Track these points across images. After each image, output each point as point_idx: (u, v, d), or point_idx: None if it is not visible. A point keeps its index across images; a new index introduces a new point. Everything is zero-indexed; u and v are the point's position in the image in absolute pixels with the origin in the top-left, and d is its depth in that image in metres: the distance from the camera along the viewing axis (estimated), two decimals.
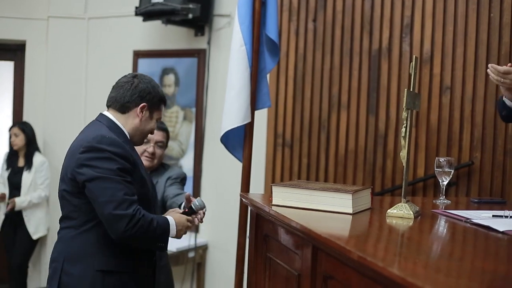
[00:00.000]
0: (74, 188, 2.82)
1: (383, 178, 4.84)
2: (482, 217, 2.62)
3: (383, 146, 4.82)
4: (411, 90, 2.56)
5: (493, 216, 2.66)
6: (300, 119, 5.15)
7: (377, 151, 4.86)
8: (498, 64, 4.39)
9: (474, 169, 4.55)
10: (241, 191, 4.28)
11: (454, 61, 4.62)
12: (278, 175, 5.26)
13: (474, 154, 4.55)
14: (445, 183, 3.11)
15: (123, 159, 2.79)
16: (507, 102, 3.46)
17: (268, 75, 4.66)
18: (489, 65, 3.19)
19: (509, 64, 3.18)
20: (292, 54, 5.17)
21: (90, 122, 3.01)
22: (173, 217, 2.96)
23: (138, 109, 2.96)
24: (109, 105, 3.01)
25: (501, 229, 2.33)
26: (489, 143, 4.51)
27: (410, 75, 2.60)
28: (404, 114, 2.55)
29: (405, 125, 2.54)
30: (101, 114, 2.99)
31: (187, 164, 5.94)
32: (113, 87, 3.03)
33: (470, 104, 4.56)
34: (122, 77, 3.04)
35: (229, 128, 4.19)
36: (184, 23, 5.71)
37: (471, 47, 4.57)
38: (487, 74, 4.44)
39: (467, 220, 2.53)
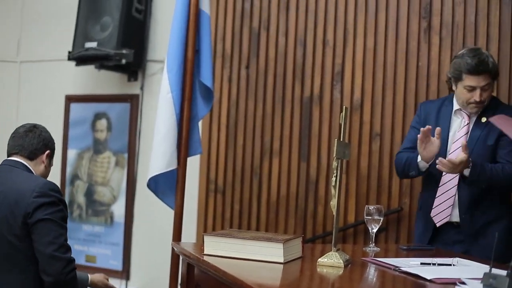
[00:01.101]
0: (23, 231, 2.94)
1: (315, 224, 4.87)
2: (411, 265, 2.66)
3: (314, 193, 4.86)
4: (341, 140, 2.60)
5: (421, 263, 2.70)
6: (232, 165, 5.17)
7: (308, 198, 4.90)
8: (416, 109, 4.52)
9: (403, 215, 4.62)
10: (173, 239, 4.25)
11: (384, 108, 4.72)
12: (210, 221, 5.24)
13: (403, 200, 4.63)
14: (375, 230, 3.15)
15: (64, 207, 3.02)
16: (421, 164, 3.61)
17: (200, 122, 4.68)
18: (439, 161, 3.39)
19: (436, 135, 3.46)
20: (225, 100, 5.20)
21: (3, 168, 3.14)
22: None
23: (44, 156, 3.22)
24: (15, 152, 3.18)
25: (428, 277, 2.37)
26: (417, 189, 4.58)
27: (340, 125, 2.64)
28: (335, 164, 2.58)
29: (335, 174, 2.58)
30: (14, 160, 3.16)
31: (118, 210, 5.87)
32: (14, 136, 3.22)
33: None
34: (20, 127, 3.25)
35: (154, 174, 4.20)
36: (117, 68, 5.69)
37: (400, 95, 4.67)
38: None
39: (396, 268, 2.56)
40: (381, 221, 3.15)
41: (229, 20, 5.20)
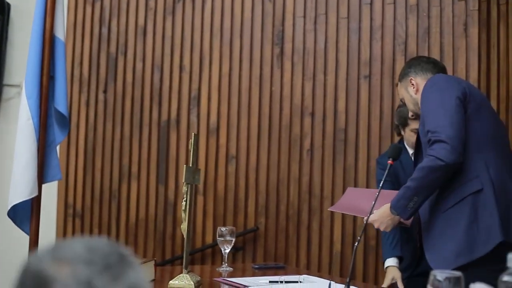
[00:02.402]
0: None
1: (173, 245, 4.93)
2: (260, 283, 2.78)
3: (173, 215, 4.92)
4: (191, 165, 2.69)
5: (270, 282, 2.83)
6: (91, 189, 5.15)
7: (167, 220, 4.96)
8: (279, 134, 4.71)
9: (259, 234, 4.77)
10: None
11: (239, 131, 4.86)
12: None
13: (259, 220, 4.78)
14: (227, 251, 3.26)
15: None
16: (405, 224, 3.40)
17: (58, 146, 4.64)
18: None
19: None
20: (83, 125, 5.18)
21: None
22: None
23: None
24: None
25: None
26: (272, 209, 4.76)
27: (189, 151, 2.73)
28: (184, 189, 2.67)
29: (185, 199, 2.67)
30: None
31: None
32: None
33: (254, 173, 4.80)
34: None
35: (16, 202, 4.13)
36: None
37: (255, 119, 4.83)
38: (269, 144, 4.75)
39: (245, 287, 2.68)
40: (233, 241, 3.26)
41: (86, 44, 5.19)
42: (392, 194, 3.01)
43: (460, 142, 2.77)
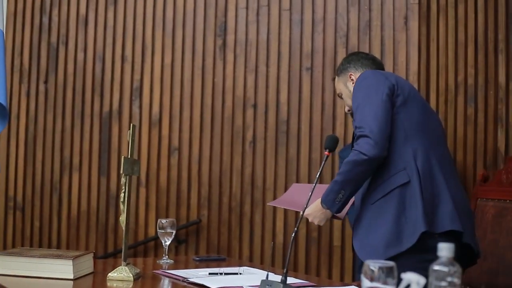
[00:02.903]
0: None
1: (116, 238, 4.90)
2: (199, 275, 2.77)
3: (115, 207, 4.89)
4: (130, 156, 2.68)
5: (209, 274, 2.83)
6: (31, 181, 5.07)
7: (109, 212, 4.92)
8: (222, 126, 4.71)
9: (202, 227, 4.77)
10: None
11: (182, 123, 4.85)
12: (9, 239, 5.11)
13: (202, 212, 4.78)
14: (168, 243, 3.25)
15: None
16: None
17: None
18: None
19: None
20: (23, 116, 5.10)
21: None
22: None
23: None
24: None
25: (213, 287, 2.50)
26: (215, 201, 4.77)
27: (128, 142, 2.71)
28: (123, 180, 2.65)
29: (124, 190, 2.65)
30: None
31: None
32: None
33: (197, 165, 4.80)
34: None
35: None
36: None
37: (197, 110, 4.83)
38: (212, 136, 4.75)
39: (184, 279, 2.67)
40: (174, 234, 3.25)
41: (27, 34, 5.11)
42: None
43: (383, 136, 2.83)
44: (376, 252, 2.79)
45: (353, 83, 3.20)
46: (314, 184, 2.74)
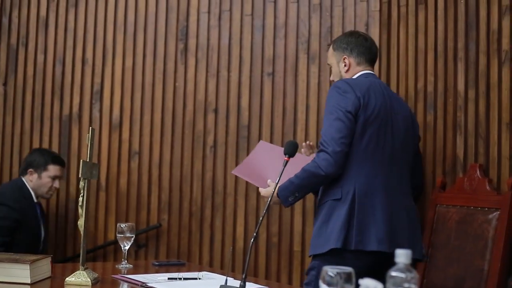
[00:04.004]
0: None
1: (75, 242, 4.85)
2: (158, 280, 2.76)
3: (74, 211, 4.84)
4: (88, 160, 2.66)
5: (168, 278, 2.82)
6: None
7: (68, 216, 4.88)
8: (183, 130, 4.69)
9: (162, 231, 4.75)
10: None
11: (142, 127, 4.83)
12: None
13: (162, 216, 4.76)
14: (127, 247, 3.23)
15: None
16: None
17: None
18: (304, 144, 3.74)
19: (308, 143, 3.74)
20: None
21: None
22: None
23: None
24: None
25: None
26: (175, 206, 4.75)
27: (87, 145, 2.69)
28: (81, 184, 2.63)
29: (82, 194, 2.63)
30: None
31: None
32: None
33: (157, 169, 4.78)
34: None
35: None
36: None
37: (158, 114, 4.81)
38: (172, 140, 4.74)
39: (143, 285, 2.66)
40: (133, 238, 3.23)
41: None
42: (305, 160, 3.33)
43: (342, 156, 3.14)
44: (314, 248, 3.23)
45: (345, 66, 3.46)
46: (283, 169, 2.76)
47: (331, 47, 3.57)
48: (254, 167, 3.63)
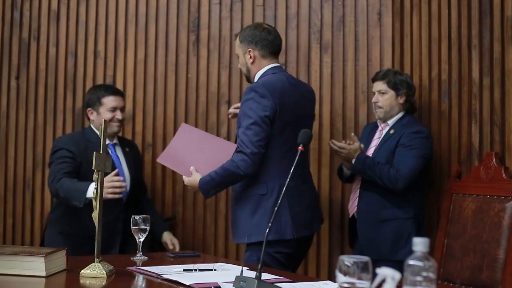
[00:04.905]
0: None
1: None
2: (173, 272, 2.76)
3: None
4: (101, 152, 2.65)
5: (184, 270, 2.81)
6: (4, 178, 5.01)
7: None
8: (196, 122, 4.68)
9: (176, 224, 4.75)
10: None
11: (155, 119, 4.83)
12: None
13: (177, 208, 4.76)
14: (142, 239, 3.21)
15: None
16: (345, 170, 4.13)
17: None
18: (330, 141, 4.04)
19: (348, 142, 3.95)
20: None
21: None
22: None
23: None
24: None
25: (188, 283, 2.48)
26: (190, 198, 4.75)
27: (100, 138, 2.68)
28: (95, 176, 2.62)
29: (96, 186, 2.62)
30: None
31: None
32: None
33: None
34: None
35: None
36: None
37: (171, 106, 4.81)
38: None
39: (158, 276, 2.65)
40: (147, 230, 3.22)
41: None
42: (229, 147, 3.66)
43: (259, 158, 3.51)
44: (239, 237, 3.64)
45: (250, 58, 3.73)
46: (296, 160, 2.77)
47: (237, 38, 3.82)
48: (177, 153, 3.75)
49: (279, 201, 2.63)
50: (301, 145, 2.87)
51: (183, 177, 3.74)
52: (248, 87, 3.66)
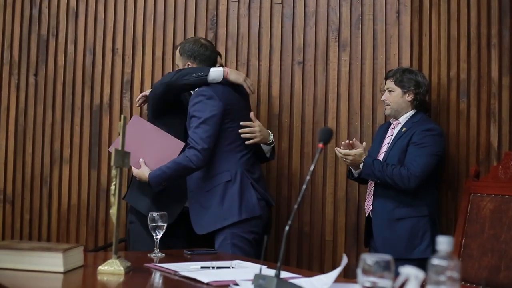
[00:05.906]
0: None
1: (106, 232, 4.88)
2: (191, 269, 2.75)
3: (106, 200, 4.86)
4: (121, 149, 2.65)
5: (201, 267, 2.81)
6: (21, 174, 5.03)
7: (99, 205, 4.89)
8: None
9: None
10: None
11: None
12: None
13: None
14: (159, 236, 3.21)
15: None
16: (354, 172, 4.14)
17: None
18: (335, 148, 4.08)
19: (347, 141, 4.01)
20: (13, 108, 5.06)
21: None
22: None
23: None
24: None
25: (206, 281, 2.48)
26: None
27: (119, 134, 2.69)
28: (114, 172, 2.62)
29: (114, 182, 2.62)
30: None
31: None
32: None
33: None
34: None
35: None
36: None
37: None
38: None
39: (176, 273, 2.65)
40: (164, 227, 3.22)
41: (17, 26, 5.06)
42: (177, 144, 3.91)
43: (209, 153, 3.84)
44: (205, 226, 3.89)
45: None
46: (317, 157, 2.76)
47: (177, 50, 4.15)
48: (127, 144, 3.66)
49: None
50: (321, 142, 2.86)
51: (132, 168, 3.97)
52: (194, 92, 4.00)
